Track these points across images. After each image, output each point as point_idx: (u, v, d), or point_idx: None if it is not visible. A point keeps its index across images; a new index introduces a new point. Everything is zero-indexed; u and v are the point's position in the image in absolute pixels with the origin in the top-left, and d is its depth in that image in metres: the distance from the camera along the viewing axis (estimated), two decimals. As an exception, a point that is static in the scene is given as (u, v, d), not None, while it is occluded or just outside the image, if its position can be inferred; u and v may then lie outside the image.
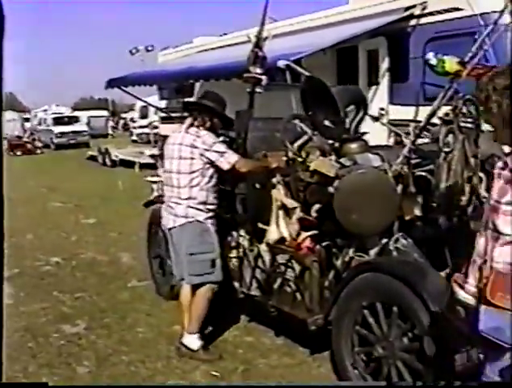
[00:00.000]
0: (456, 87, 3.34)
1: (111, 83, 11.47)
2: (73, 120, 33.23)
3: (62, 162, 22.05)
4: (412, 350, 3.26)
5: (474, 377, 2.77)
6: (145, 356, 4.25)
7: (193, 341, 4.22)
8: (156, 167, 15.60)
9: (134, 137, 30.12)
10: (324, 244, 3.87)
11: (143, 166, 17.42)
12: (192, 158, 4.10)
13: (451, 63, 3.29)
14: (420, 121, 6.61)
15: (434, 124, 3.93)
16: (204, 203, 4.17)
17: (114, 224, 9.67)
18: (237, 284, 4.56)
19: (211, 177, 4.20)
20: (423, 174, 3.71)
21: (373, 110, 6.67)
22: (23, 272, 6.59)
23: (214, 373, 4.00)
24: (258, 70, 4.71)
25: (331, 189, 3.62)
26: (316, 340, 4.30)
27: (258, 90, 4.56)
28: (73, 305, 5.53)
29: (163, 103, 14.77)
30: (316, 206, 3.84)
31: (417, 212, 3.71)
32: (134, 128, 31.62)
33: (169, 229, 4.25)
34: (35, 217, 10.29)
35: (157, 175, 12.33)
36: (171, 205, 4.21)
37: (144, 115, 30.24)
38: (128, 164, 18.16)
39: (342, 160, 3.69)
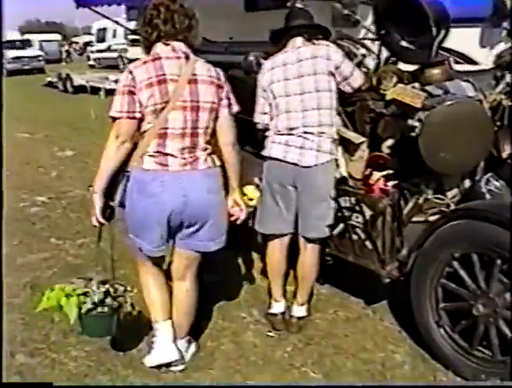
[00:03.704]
0: None
1: (81, 2, 10.35)
2: (26, 44, 31.14)
3: (19, 90, 20.57)
4: (519, 308, 2.84)
5: None
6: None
7: (302, 310, 3.63)
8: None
9: (91, 62, 28.56)
10: (393, 184, 3.35)
11: (108, 92, 16.42)
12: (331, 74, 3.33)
13: None
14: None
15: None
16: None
17: (94, 156, 8.86)
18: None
19: None
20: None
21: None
22: (9, 216, 5.82)
23: (269, 333, 3.52)
24: (296, -20, 4.05)
25: (413, 122, 3.07)
26: (367, 290, 3.92)
27: (298, 5, 3.90)
28: (78, 254, 4.87)
29: (132, 25, 13.69)
30: (389, 141, 3.29)
31: (509, 149, 3.21)
32: (91, 52, 29.94)
33: (305, 167, 3.33)
34: (5, 149, 9.37)
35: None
36: (308, 137, 3.32)
37: (101, 39, 28.60)
38: (91, 90, 17.05)
39: (429, 88, 3.11)
